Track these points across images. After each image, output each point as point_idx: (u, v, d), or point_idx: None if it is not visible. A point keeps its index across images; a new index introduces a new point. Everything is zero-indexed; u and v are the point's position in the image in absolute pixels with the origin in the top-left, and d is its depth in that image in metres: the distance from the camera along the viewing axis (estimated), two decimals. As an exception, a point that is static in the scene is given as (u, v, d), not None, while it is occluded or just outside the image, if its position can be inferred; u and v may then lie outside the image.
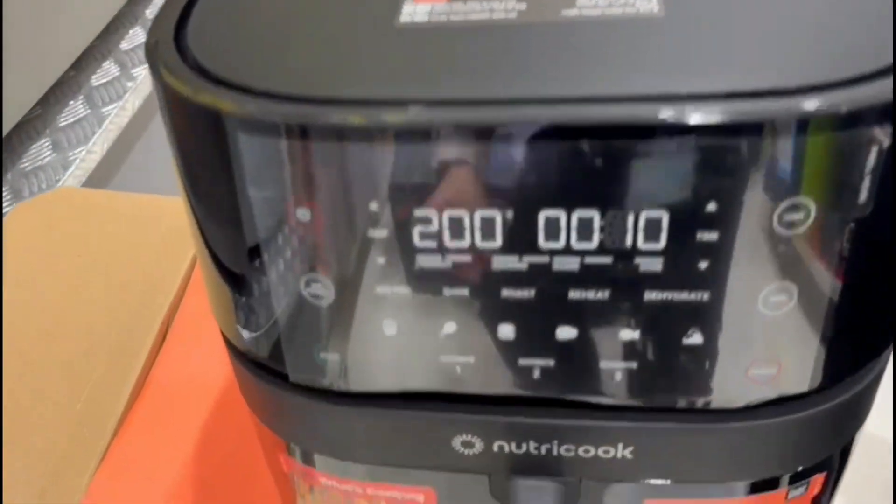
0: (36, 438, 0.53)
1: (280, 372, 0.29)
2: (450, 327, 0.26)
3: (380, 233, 0.24)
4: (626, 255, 0.23)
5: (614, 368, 0.26)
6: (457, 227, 0.23)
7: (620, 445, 0.28)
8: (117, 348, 0.58)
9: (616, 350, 0.25)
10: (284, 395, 0.29)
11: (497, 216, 0.23)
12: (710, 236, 0.22)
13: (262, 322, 0.27)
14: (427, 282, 0.24)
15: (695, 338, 0.25)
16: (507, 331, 0.25)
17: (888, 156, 0.21)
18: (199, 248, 0.28)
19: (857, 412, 0.29)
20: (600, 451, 0.28)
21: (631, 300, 0.24)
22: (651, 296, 0.24)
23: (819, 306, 0.24)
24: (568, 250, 0.23)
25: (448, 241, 0.23)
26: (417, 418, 0.28)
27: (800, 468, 0.29)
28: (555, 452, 0.29)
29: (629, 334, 0.25)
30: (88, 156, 0.96)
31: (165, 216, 0.68)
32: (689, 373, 0.25)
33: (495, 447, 0.29)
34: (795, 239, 0.22)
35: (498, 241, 0.23)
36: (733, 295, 0.23)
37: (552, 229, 0.23)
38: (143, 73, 1.11)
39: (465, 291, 0.25)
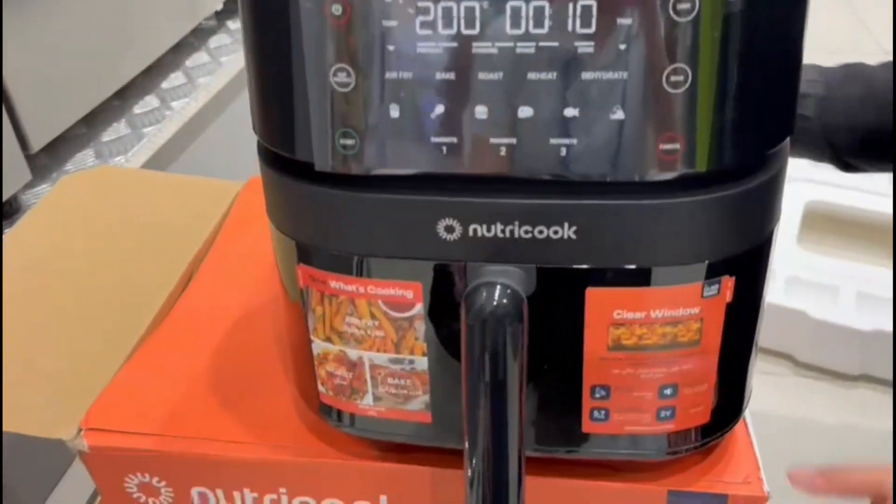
0: (72, 343, 0.60)
1: (306, 167, 0.37)
2: (439, 109, 0.34)
3: (391, 22, 0.33)
4: (568, 38, 0.32)
5: (560, 144, 0.34)
6: (447, 16, 0.32)
7: (566, 224, 0.36)
8: (145, 285, 0.66)
9: (561, 127, 0.34)
10: (309, 188, 0.38)
11: (476, 5, 0.32)
12: (625, 21, 0.31)
13: (298, 115, 0.36)
14: (424, 66, 0.33)
15: (618, 113, 0.33)
16: (481, 111, 0.34)
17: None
18: (250, 63, 0.37)
19: (758, 210, 0.37)
20: (551, 232, 0.36)
21: (572, 79, 0.33)
22: (587, 75, 0.32)
23: (710, 88, 0.32)
24: (527, 36, 0.32)
25: (441, 28, 0.32)
26: (412, 203, 0.37)
27: (709, 259, 0.37)
28: (516, 234, 0.36)
29: (571, 112, 0.33)
30: (127, 164, 1.06)
31: (195, 189, 0.78)
32: (615, 146, 0.33)
33: (470, 230, 0.37)
34: (687, 25, 0.31)
35: (476, 28, 0.32)
36: (644, 73, 0.32)
37: (516, 17, 0.32)
38: (181, 105, 1.23)
39: (451, 75, 0.33)
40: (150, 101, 1.27)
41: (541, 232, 0.37)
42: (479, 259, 0.38)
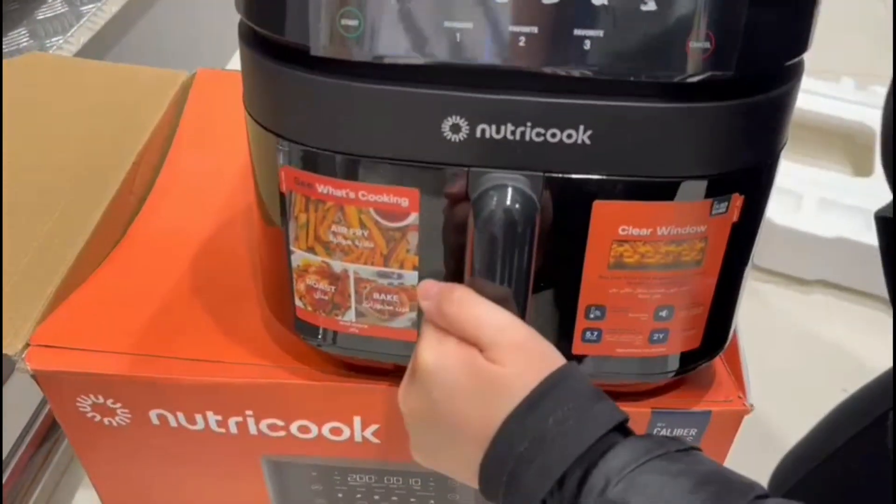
0: (8, 245, 0.55)
1: (298, 51, 0.33)
2: (456, -11, 0.31)
3: None
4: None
5: (585, 36, 0.31)
6: None
7: (581, 128, 0.34)
8: (91, 179, 0.60)
9: (588, 17, 0.31)
10: (301, 75, 0.34)
11: None
12: None
13: (294, -9, 0.32)
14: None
15: (650, 4, 0.31)
16: (503, -6, 0.31)
17: None
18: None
19: (774, 123, 0.36)
20: (564, 136, 0.34)
21: (604, -37, 0.30)
22: (620, -41, 0.30)
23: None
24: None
25: None
26: (417, 97, 0.34)
27: (722, 170, 0.35)
28: (527, 137, 0.34)
29: (600, 0, 0.31)
30: (65, 45, 0.97)
31: (139, 79, 0.71)
32: (643, 39, 0.31)
33: (478, 131, 0.34)
34: None
35: None
36: (682, -39, 0.30)
37: None
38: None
39: (472, -49, 0.30)
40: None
41: (553, 135, 0.34)
42: (485, 164, 0.35)
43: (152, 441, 0.50)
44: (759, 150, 0.36)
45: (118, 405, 0.48)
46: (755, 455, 0.62)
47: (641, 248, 0.38)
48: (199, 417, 0.49)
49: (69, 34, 0.93)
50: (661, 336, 0.41)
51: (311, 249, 0.40)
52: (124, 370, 0.47)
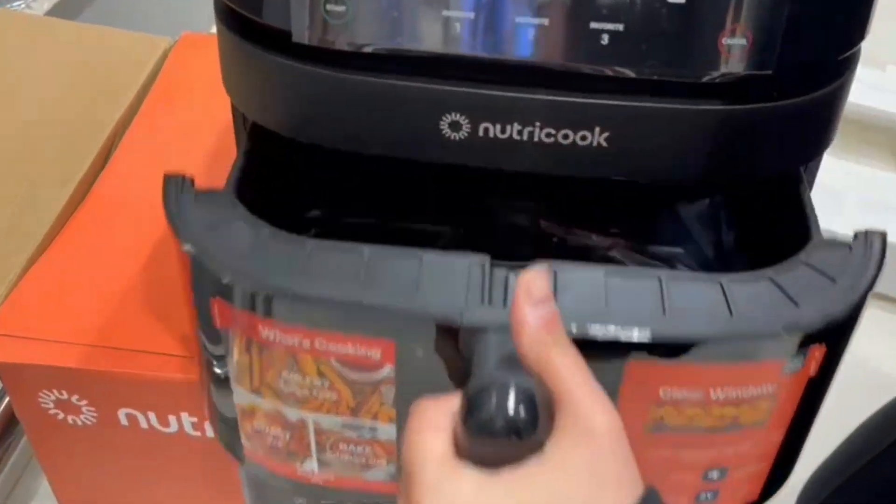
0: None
1: (278, 35, 0.29)
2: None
3: None
4: None
5: (602, 30, 0.28)
6: None
7: (597, 130, 0.28)
8: (63, 151, 0.55)
9: (606, 8, 0.28)
10: (284, 63, 0.30)
11: None
12: None
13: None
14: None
15: (677, -5, 0.27)
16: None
17: None
18: None
19: (819, 124, 0.30)
20: (578, 137, 0.28)
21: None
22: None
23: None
24: None
25: None
26: (411, 91, 0.29)
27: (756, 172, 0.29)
28: (536, 138, 0.28)
29: (621, -11, 0.27)
30: (28, 11, 0.82)
31: (114, 44, 0.65)
32: (670, 35, 0.27)
33: (481, 130, 0.29)
34: None
35: None
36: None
37: None
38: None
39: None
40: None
41: (566, 136, 0.29)
42: (488, 164, 0.29)
43: (120, 443, 0.44)
44: (803, 152, 0.31)
45: (84, 402, 0.41)
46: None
47: (689, 410, 0.28)
48: (172, 419, 0.40)
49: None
50: (709, 496, 0.29)
51: (257, 392, 0.29)
52: (91, 364, 0.40)
